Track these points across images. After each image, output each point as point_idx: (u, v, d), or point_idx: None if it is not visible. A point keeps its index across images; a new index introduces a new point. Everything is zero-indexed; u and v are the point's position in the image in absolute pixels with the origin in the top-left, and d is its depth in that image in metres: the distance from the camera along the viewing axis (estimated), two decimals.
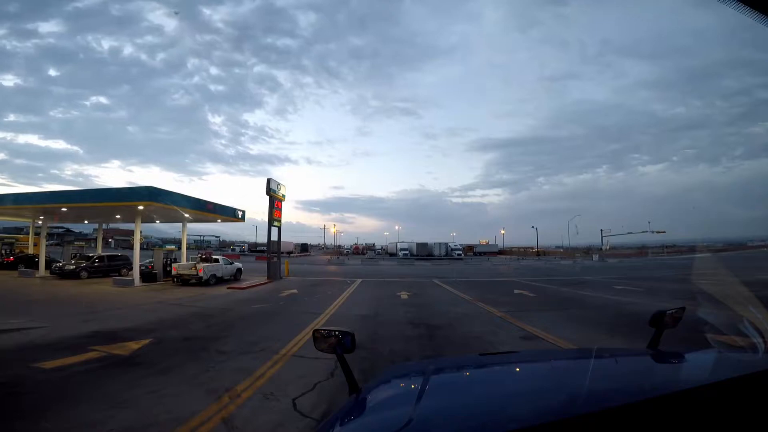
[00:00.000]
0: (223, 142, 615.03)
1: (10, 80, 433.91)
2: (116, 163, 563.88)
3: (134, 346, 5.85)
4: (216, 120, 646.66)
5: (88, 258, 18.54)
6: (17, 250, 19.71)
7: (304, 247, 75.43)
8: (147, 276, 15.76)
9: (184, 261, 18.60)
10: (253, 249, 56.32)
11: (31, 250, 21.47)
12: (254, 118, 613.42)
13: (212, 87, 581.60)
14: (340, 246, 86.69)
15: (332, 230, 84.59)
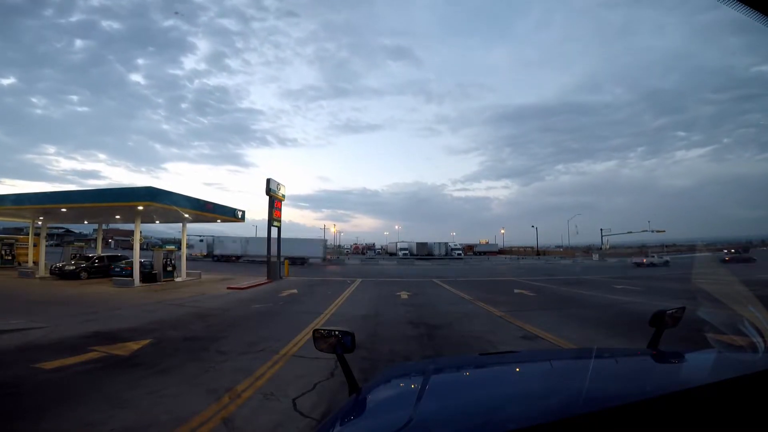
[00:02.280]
0: (161, 113, 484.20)
1: None
2: (51, 149, 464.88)
3: (134, 346, 5.85)
4: (137, 79, 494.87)
5: (88, 258, 18.52)
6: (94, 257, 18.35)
7: None
8: (147, 276, 15.76)
9: (184, 261, 18.59)
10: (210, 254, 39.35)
11: (31, 251, 21.44)
12: (185, 73, 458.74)
13: (105, 23, 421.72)
14: (339, 246, 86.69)
15: (332, 230, 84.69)
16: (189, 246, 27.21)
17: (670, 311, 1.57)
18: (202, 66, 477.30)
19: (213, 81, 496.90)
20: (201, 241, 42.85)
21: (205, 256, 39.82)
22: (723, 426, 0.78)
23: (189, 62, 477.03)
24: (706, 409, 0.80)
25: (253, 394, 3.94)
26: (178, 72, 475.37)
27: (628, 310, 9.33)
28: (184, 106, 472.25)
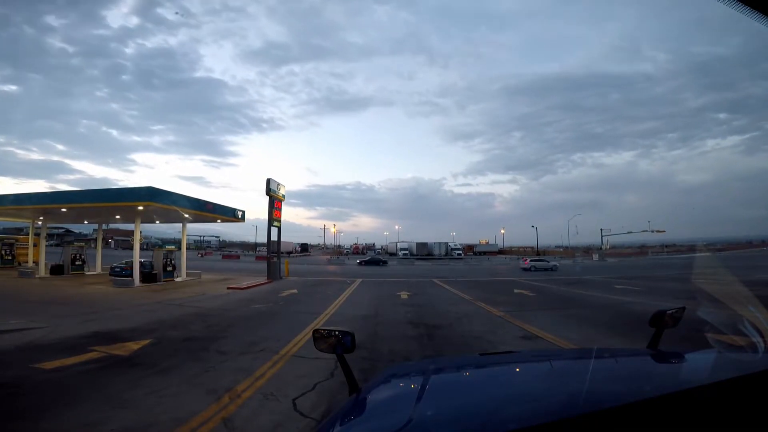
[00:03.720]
0: (103, 89, 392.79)
1: None
2: None
3: (134, 346, 5.85)
4: (57, 44, 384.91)
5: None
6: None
7: (304, 247, 75.59)
8: (147, 276, 15.76)
9: (184, 261, 18.59)
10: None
11: (31, 251, 21.44)
12: (113, 33, 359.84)
13: None
14: (340, 246, 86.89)
15: (332, 230, 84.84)
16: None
17: (670, 311, 1.57)
18: (133, 21, 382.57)
19: (151, 42, 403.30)
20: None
21: None
22: (723, 426, 0.78)
23: (113, 17, 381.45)
24: (706, 409, 0.80)
25: (253, 394, 3.94)
26: (104, 32, 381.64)
27: (628, 311, 9.33)
28: (126, 78, 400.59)
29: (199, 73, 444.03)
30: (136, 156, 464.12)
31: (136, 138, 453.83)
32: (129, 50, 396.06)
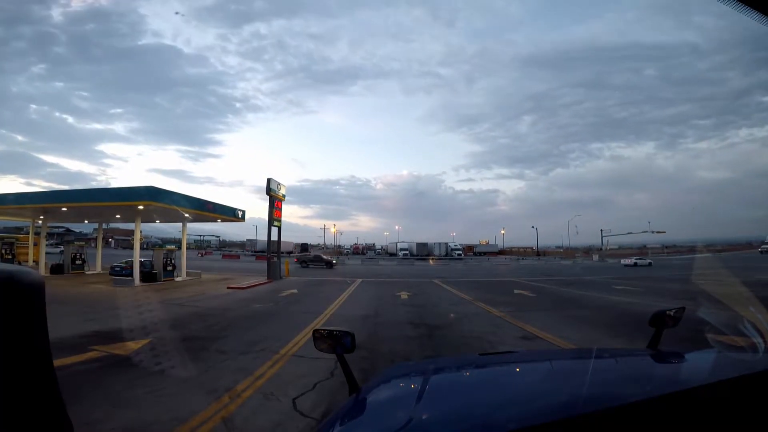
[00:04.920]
0: (38, 64, 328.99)
1: None
2: None
3: (134, 345, 5.85)
4: None
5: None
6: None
7: (304, 247, 75.50)
8: (147, 276, 15.77)
9: (184, 260, 18.60)
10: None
11: (31, 250, 21.45)
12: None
13: None
14: (340, 246, 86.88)
15: (332, 230, 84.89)
16: None
17: (670, 311, 1.57)
18: None
19: (77, 1, 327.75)
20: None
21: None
22: (723, 426, 0.78)
23: None
24: (706, 409, 0.80)
25: (253, 394, 3.94)
26: None
27: (627, 311, 9.32)
28: (60, 50, 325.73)
29: (147, 39, 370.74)
30: (104, 147, 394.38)
31: (96, 125, 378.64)
32: (55, 14, 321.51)
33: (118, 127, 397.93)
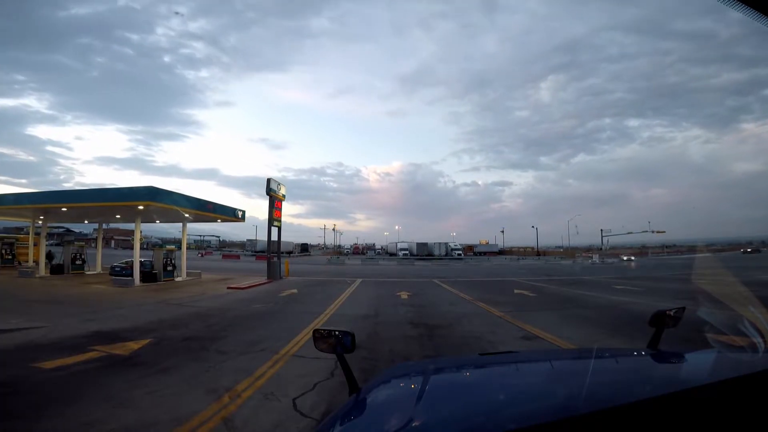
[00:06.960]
0: None
1: None
2: None
3: (134, 346, 5.85)
4: None
5: None
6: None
7: (304, 247, 75.57)
8: (147, 276, 15.77)
9: (184, 261, 18.60)
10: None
11: (31, 250, 21.45)
12: None
13: None
14: (339, 246, 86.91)
15: (332, 228, 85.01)
16: None
17: (670, 311, 1.57)
18: None
19: None
20: None
21: None
22: (723, 426, 0.78)
23: None
24: (706, 409, 0.80)
25: (253, 394, 3.94)
26: None
27: (627, 311, 9.33)
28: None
29: None
30: (33, 130, 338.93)
31: (6, 101, 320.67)
32: None
33: (32, 102, 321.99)
